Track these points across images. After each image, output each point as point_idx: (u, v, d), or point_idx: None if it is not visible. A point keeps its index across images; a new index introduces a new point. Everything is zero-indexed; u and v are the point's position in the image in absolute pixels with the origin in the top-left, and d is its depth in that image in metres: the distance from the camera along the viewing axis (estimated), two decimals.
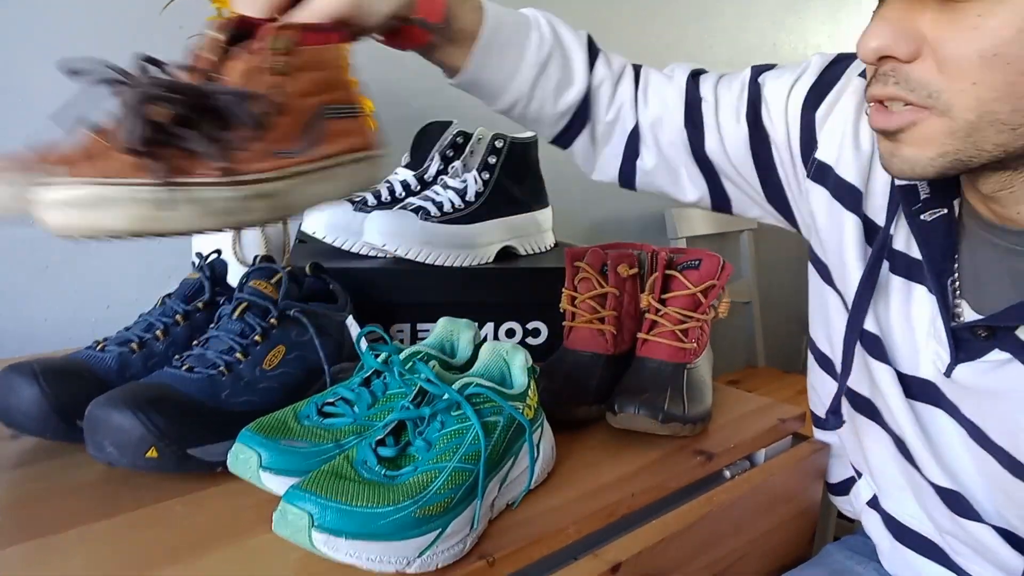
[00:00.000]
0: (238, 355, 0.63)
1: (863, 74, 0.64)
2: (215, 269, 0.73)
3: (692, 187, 0.76)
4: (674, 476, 0.66)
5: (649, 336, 0.76)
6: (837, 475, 0.78)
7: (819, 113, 0.66)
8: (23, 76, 0.89)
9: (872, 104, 0.50)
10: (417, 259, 0.85)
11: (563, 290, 0.81)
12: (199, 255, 0.74)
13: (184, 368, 0.61)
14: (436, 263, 0.86)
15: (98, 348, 0.65)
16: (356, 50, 0.89)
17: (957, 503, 0.60)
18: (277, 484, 0.54)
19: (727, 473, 0.72)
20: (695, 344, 0.76)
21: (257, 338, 0.65)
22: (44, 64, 0.90)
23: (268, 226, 0.90)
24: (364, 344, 0.65)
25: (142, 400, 0.57)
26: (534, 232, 0.99)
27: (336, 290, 0.77)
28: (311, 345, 0.69)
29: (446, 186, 0.91)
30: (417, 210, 0.86)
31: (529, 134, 0.98)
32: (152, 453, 0.56)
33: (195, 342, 0.65)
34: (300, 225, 0.98)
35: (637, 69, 0.75)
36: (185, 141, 0.43)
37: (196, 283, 0.72)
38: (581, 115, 0.73)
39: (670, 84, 0.73)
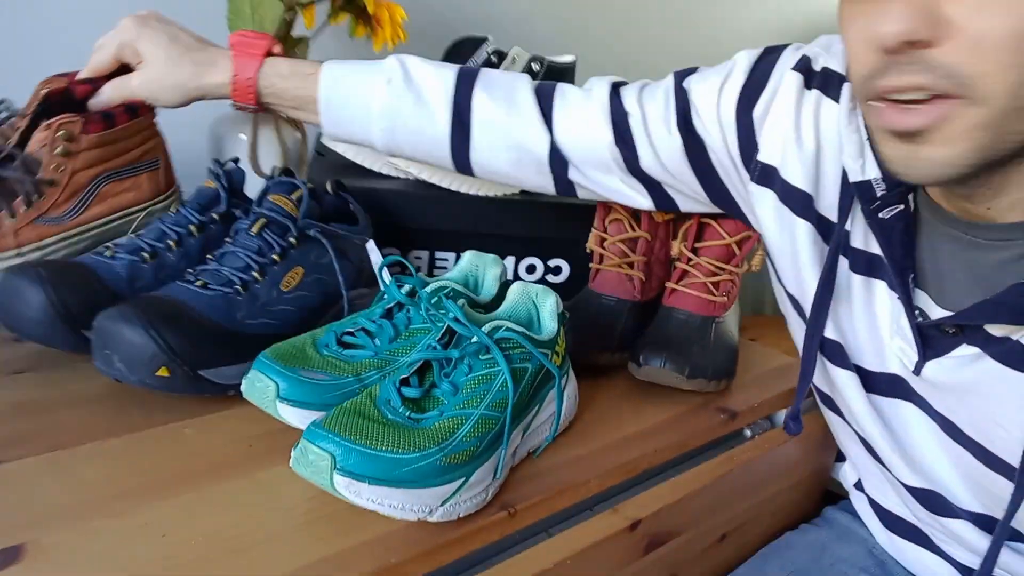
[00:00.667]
0: (255, 274, 0.60)
1: (797, 67, 0.59)
2: (232, 178, 0.69)
3: (638, 196, 0.69)
4: (696, 433, 0.64)
5: (679, 286, 0.73)
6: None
7: (756, 114, 0.60)
8: None
9: (880, 102, 0.44)
10: (441, 184, 0.81)
11: (592, 230, 0.77)
12: (216, 161, 0.69)
13: (198, 284, 0.58)
14: (459, 190, 0.82)
15: (108, 254, 0.62)
16: None
17: (933, 501, 0.59)
18: (294, 416, 0.52)
19: (748, 432, 0.71)
20: (725, 297, 0.73)
21: (275, 257, 0.62)
22: None
23: (287, 135, 0.86)
24: (387, 275, 0.61)
25: (155, 316, 0.54)
26: None
27: (357, 211, 0.73)
28: (330, 268, 0.65)
29: None
30: None
31: (568, 57, 0.93)
32: (163, 372, 0.54)
33: (210, 255, 0.62)
34: (320, 136, 0.93)
35: (539, 87, 0.68)
36: None
37: (212, 192, 0.67)
38: (466, 147, 0.67)
39: (589, 102, 0.66)
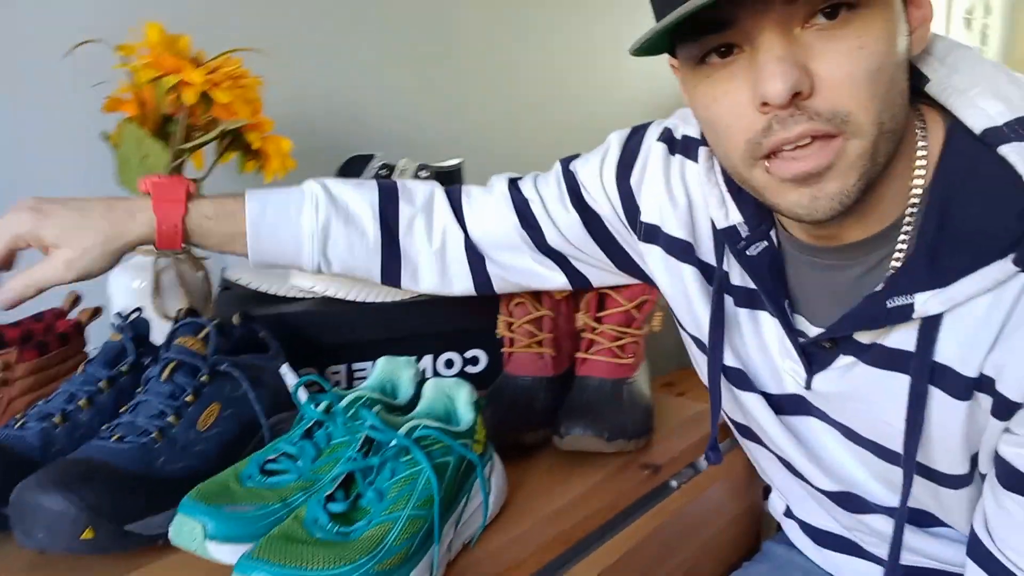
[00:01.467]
0: (170, 419, 0.61)
1: (661, 138, 0.68)
2: (137, 328, 0.70)
3: (552, 274, 0.76)
4: (623, 493, 0.67)
5: (588, 355, 0.77)
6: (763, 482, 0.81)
7: (633, 180, 0.69)
8: None
9: (769, 160, 0.49)
10: (347, 298, 0.84)
11: (499, 317, 0.81)
12: (119, 315, 0.71)
13: (114, 439, 0.58)
14: (367, 300, 0.85)
15: (16, 426, 0.62)
16: (271, 85, 0.88)
17: (849, 502, 0.63)
18: (226, 553, 0.52)
19: (673, 483, 0.74)
20: (632, 359, 0.78)
21: (189, 398, 0.62)
22: None
23: (189, 276, 0.87)
24: (303, 394, 0.63)
25: (72, 478, 0.54)
26: None
27: (267, 338, 0.75)
28: (245, 400, 0.67)
29: None
30: None
31: (454, 161, 0.98)
32: (88, 534, 0.53)
33: (123, 409, 0.62)
34: (223, 272, 0.95)
35: (447, 191, 0.76)
36: None
37: (118, 345, 0.68)
38: (397, 257, 0.73)
39: (491, 195, 0.75)
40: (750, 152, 0.49)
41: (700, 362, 0.70)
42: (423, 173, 0.95)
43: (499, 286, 0.76)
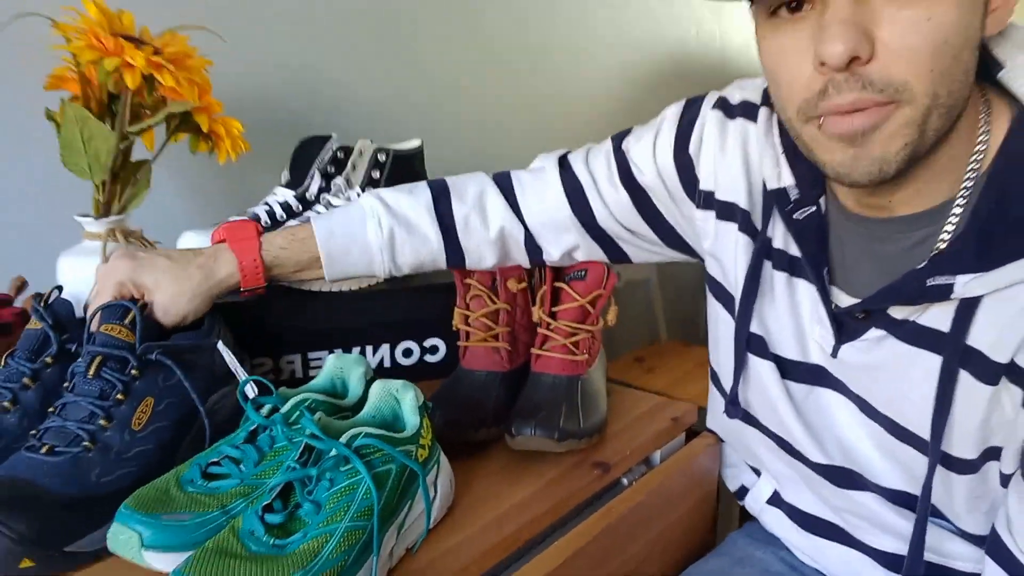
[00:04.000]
0: (101, 421, 0.58)
1: (716, 105, 0.70)
2: (57, 313, 0.66)
3: (596, 250, 0.79)
4: (573, 493, 0.67)
5: (542, 351, 0.77)
6: (732, 484, 0.83)
7: (691, 150, 0.71)
8: None
9: (829, 116, 0.50)
10: (303, 287, 0.83)
11: (456, 309, 0.80)
12: (36, 296, 0.67)
13: (44, 451, 0.56)
14: (324, 290, 0.83)
15: None
16: (223, 60, 0.85)
17: (842, 477, 0.65)
18: (163, 562, 0.52)
19: (624, 481, 0.74)
20: (587, 355, 0.77)
21: (119, 396, 0.59)
22: None
23: None
24: (251, 391, 0.62)
25: (1, 507, 0.52)
26: None
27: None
28: (180, 387, 0.63)
29: (329, 205, 0.88)
30: None
31: (414, 143, 0.96)
32: (26, 563, 0.52)
33: (51, 409, 0.59)
34: None
35: (498, 183, 0.79)
36: None
37: (39, 333, 0.64)
38: (459, 252, 0.77)
39: (544, 182, 0.77)
40: (805, 110, 0.51)
41: (721, 323, 0.72)
42: (381, 156, 0.93)
43: (548, 260, 0.80)
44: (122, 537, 0.52)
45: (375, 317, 0.86)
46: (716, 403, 0.78)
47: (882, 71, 0.47)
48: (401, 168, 0.93)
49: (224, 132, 0.85)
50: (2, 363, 0.64)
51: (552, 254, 0.79)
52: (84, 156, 0.80)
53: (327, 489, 0.52)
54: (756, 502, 0.78)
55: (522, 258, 0.80)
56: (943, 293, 0.52)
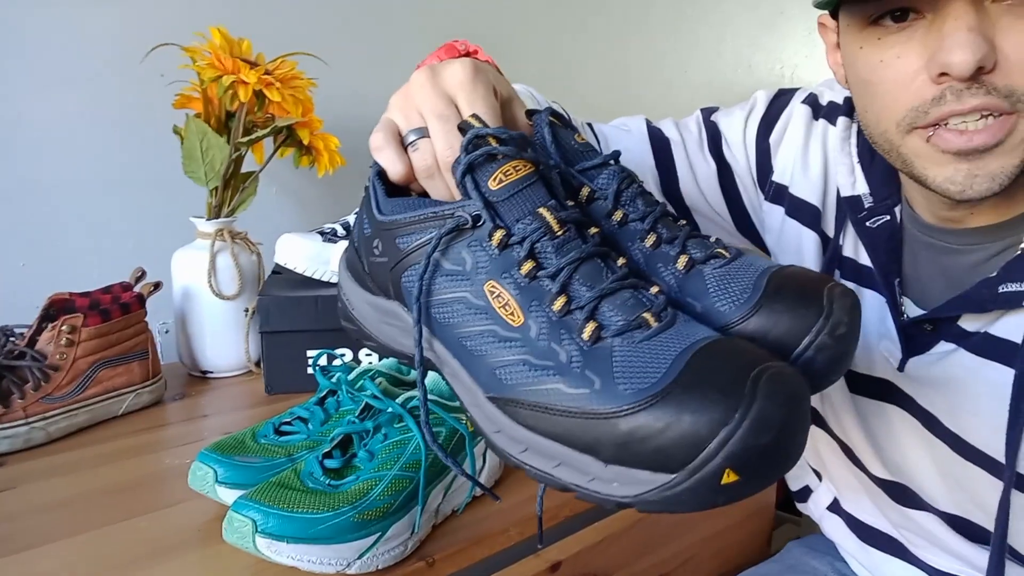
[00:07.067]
0: None
1: (806, 101, 0.69)
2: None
3: None
4: None
5: None
6: (795, 484, 0.81)
7: (772, 139, 0.70)
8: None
9: (938, 126, 0.48)
10: None
11: None
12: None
13: None
14: None
15: None
16: (330, 87, 0.95)
17: (901, 495, 0.63)
18: (232, 497, 0.58)
19: None
20: None
21: None
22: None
23: (243, 258, 0.95)
24: (324, 360, 0.68)
25: None
26: None
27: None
28: None
29: None
30: None
31: None
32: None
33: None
34: (275, 257, 1.03)
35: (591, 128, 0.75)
36: None
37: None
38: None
39: (629, 134, 0.74)
40: (912, 120, 0.49)
41: None
42: None
43: None
44: (199, 473, 0.59)
45: None
46: None
47: (1005, 80, 0.46)
48: None
49: (323, 146, 0.95)
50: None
51: None
52: (201, 165, 0.91)
53: (381, 441, 0.57)
54: (817, 507, 0.76)
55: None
56: (1016, 300, 0.50)
